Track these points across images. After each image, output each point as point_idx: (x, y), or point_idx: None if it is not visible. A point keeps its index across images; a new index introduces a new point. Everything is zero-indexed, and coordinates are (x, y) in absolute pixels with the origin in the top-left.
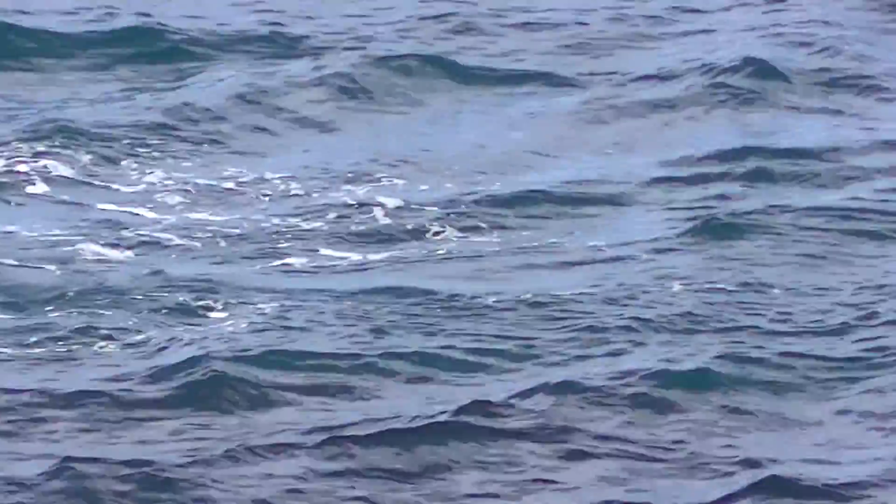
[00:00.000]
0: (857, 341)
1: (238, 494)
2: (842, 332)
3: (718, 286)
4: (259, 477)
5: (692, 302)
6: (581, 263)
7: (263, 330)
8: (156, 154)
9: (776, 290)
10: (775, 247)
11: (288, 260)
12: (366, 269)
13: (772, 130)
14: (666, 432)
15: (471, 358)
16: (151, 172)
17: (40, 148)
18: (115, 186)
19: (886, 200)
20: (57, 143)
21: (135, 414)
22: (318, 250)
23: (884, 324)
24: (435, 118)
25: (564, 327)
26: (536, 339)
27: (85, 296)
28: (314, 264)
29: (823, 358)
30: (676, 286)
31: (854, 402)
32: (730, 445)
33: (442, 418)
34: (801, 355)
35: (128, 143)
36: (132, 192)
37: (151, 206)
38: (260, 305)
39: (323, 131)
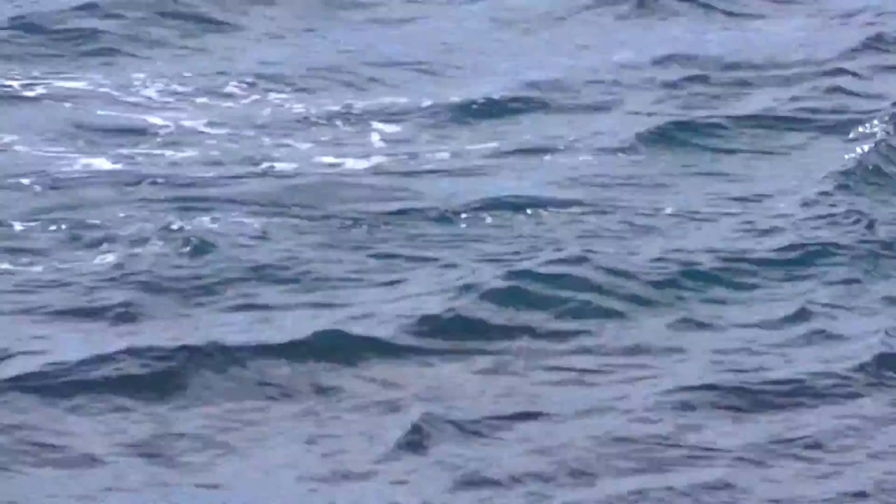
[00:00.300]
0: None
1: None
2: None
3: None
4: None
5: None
6: (535, 169)
7: (250, 235)
8: (149, 57)
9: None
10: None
11: (274, 165)
12: (348, 175)
13: (704, 40)
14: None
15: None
16: (149, 79)
17: (36, 55)
18: (114, 94)
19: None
20: (47, 44)
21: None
22: (309, 158)
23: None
24: (402, 23)
25: (513, 237)
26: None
27: (72, 207)
28: (298, 170)
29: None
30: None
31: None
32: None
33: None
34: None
35: (124, 51)
36: (130, 101)
37: (147, 113)
38: (246, 218)
39: (307, 32)
